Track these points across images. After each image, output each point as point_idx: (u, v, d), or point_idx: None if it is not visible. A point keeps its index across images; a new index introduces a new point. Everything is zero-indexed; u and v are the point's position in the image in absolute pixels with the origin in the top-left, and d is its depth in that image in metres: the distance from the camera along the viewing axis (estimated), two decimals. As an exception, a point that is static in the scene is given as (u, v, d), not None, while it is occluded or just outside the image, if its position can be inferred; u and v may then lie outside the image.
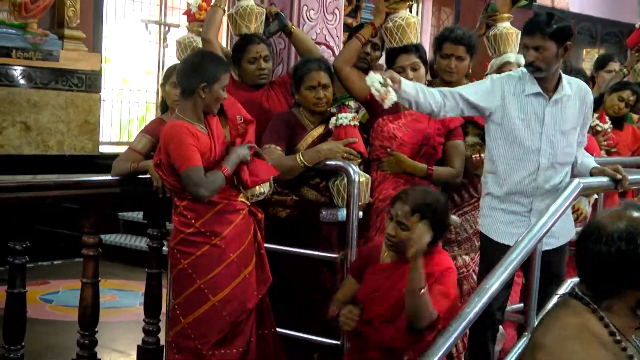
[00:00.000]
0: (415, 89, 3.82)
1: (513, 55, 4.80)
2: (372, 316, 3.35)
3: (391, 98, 3.66)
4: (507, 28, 4.90)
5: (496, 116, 3.95)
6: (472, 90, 3.97)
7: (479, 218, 4.07)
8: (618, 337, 2.17)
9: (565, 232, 4.10)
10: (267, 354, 4.02)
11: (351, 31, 4.87)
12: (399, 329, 3.28)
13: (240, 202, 3.94)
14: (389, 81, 3.66)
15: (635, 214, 2.21)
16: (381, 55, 4.85)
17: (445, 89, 3.93)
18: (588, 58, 7.07)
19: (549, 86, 3.93)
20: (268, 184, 4.06)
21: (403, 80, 3.79)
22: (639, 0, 8.50)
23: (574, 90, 3.99)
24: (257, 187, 3.99)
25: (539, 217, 3.83)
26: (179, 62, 4.78)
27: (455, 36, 4.46)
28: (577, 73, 6.19)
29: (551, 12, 3.99)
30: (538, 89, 3.93)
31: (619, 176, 3.87)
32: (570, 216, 4.20)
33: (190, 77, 3.81)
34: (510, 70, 4.59)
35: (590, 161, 4.06)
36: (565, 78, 3.97)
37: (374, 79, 3.65)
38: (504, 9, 4.97)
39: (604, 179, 3.97)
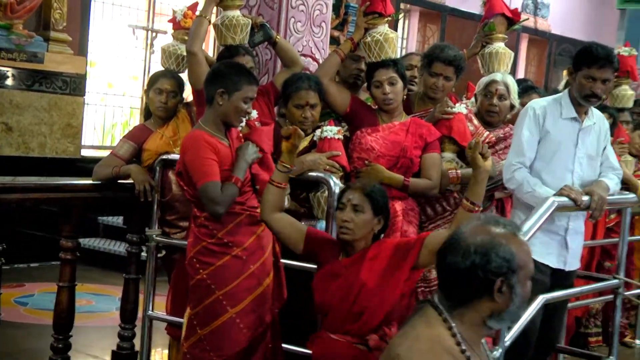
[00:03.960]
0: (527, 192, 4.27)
1: (499, 74, 4.87)
2: (343, 315, 3.38)
3: None
4: (502, 48, 4.99)
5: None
6: (533, 143, 4.35)
7: None
8: (463, 347, 2.25)
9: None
10: None
11: (337, 44, 4.89)
12: (370, 321, 3.35)
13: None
14: None
15: (494, 229, 2.28)
16: None
17: (526, 160, 4.33)
18: (566, 79, 7.18)
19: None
20: (286, 198, 4.03)
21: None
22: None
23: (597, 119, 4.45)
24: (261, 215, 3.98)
25: (574, 237, 4.36)
26: (163, 69, 4.79)
27: (446, 57, 4.54)
28: (554, 92, 6.25)
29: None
30: (574, 113, 4.32)
31: (572, 196, 4.15)
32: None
33: (212, 83, 3.81)
34: (496, 88, 4.70)
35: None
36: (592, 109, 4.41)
37: None
38: (500, 29, 5.06)
39: (584, 198, 4.24)
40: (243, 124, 3.96)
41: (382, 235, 3.55)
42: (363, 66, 4.76)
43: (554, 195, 4.14)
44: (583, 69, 4.26)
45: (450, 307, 2.30)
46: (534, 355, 4.45)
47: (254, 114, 4.02)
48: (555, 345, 4.76)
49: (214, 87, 3.78)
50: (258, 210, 3.84)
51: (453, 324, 2.27)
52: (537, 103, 4.42)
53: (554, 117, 4.32)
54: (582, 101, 4.29)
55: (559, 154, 4.32)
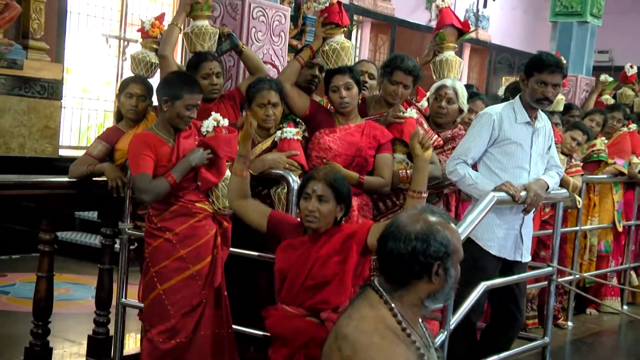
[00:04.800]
0: (469, 185, 4.30)
1: (449, 80, 4.89)
2: (297, 286, 3.38)
3: None
4: (452, 56, 5.02)
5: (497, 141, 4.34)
6: (481, 147, 4.34)
7: (474, 229, 4.10)
8: (404, 326, 2.29)
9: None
10: (221, 352, 4.00)
11: (296, 52, 4.88)
12: (323, 296, 3.35)
13: (199, 207, 3.97)
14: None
15: (430, 218, 2.33)
16: None
17: (469, 160, 4.32)
18: (505, 85, 7.29)
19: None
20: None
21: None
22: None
23: (545, 122, 4.49)
24: (227, 201, 3.96)
25: (527, 231, 4.40)
26: (133, 75, 4.75)
27: (406, 67, 4.54)
28: (495, 99, 6.34)
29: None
30: (527, 118, 4.33)
31: (511, 192, 4.20)
32: None
33: (160, 92, 3.94)
34: (445, 92, 4.71)
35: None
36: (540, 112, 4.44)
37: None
38: (450, 39, 5.08)
39: (522, 194, 4.29)
40: (210, 129, 3.96)
41: (343, 220, 3.54)
42: (317, 72, 4.76)
43: (494, 190, 4.17)
44: (535, 74, 4.28)
45: (391, 290, 2.32)
46: (501, 341, 4.49)
47: (225, 122, 4.01)
48: (522, 322, 4.69)
49: (161, 95, 3.92)
50: (197, 204, 3.97)
51: (393, 305, 2.30)
52: (494, 110, 4.40)
53: (510, 122, 4.32)
54: (534, 104, 4.31)
55: (516, 156, 4.33)
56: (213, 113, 4.02)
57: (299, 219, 3.59)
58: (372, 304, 2.32)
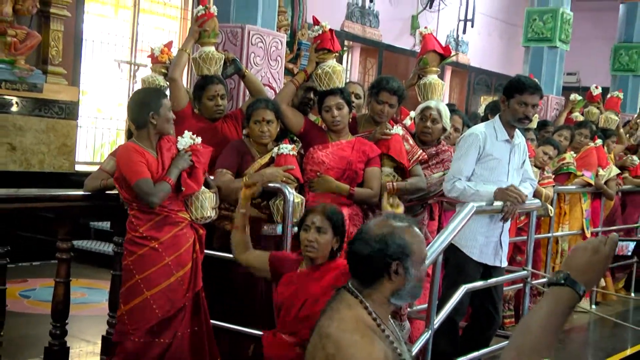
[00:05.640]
0: (472, 194, 4.26)
1: (434, 102, 4.90)
2: (292, 316, 3.34)
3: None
4: (435, 79, 5.02)
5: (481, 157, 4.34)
6: (472, 163, 4.32)
7: (458, 237, 4.09)
8: (378, 322, 2.32)
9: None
10: (201, 348, 3.97)
11: (292, 75, 4.90)
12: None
13: (181, 217, 3.91)
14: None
15: (394, 223, 2.36)
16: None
17: (463, 177, 4.32)
18: (484, 104, 7.33)
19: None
20: (215, 210, 4.01)
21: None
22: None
23: (521, 139, 4.51)
24: (206, 212, 3.95)
25: (505, 238, 4.41)
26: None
27: (391, 87, 4.55)
28: (475, 117, 6.33)
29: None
30: (507, 136, 4.34)
31: (514, 196, 4.23)
32: None
33: (140, 111, 3.85)
34: (430, 113, 4.73)
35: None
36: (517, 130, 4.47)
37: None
38: (433, 63, 5.08)
39: (497, 204, 4.30)
40: (187, 146, 3.92)
41: (339, 254, 3.46)
42: (311, 95, 4.78)
43: (496, 191, 4.24)
44: (516, 96, 4.27)
45: (362, 290, 2.35)
46: (481, 339, 4.49)
47: (198, 140, 3.98)
48: (499, 321, 4.69)
49: (144, 114, 3.82)
50: (179, 213, 3.90)
51: (368, 304, 2.32)
52: (477, 129, 4.42)
53: (492, 140, 4.33)
54: (515, 123, 4.31)
55: (496, 171, 4.34)
56: (186, 132, 3.96)
57: (295, 255, 3.56)
58: (349, 304, 2.34)
